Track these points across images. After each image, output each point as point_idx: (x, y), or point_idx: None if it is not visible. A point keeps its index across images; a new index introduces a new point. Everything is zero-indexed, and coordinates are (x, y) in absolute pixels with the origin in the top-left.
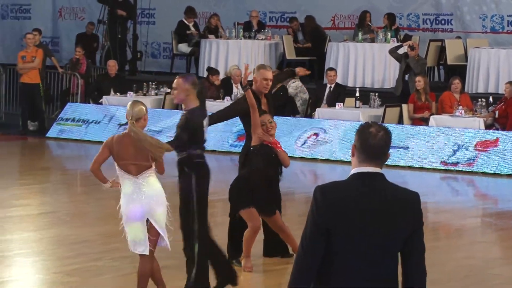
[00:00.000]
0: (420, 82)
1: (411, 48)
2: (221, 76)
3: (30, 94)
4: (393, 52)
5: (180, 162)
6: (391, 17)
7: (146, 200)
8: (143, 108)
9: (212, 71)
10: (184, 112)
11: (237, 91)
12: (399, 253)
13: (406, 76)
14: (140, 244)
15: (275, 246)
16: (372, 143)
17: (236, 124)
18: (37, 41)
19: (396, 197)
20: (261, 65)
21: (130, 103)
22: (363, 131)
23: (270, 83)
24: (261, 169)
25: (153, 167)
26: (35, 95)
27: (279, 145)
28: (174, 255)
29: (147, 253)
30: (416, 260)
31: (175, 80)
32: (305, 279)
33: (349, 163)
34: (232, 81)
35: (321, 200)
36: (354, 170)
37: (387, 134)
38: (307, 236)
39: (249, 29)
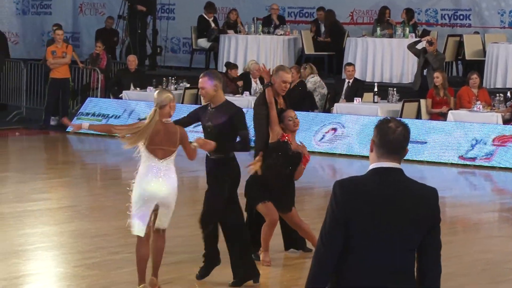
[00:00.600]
0: (438, 78)
1: (430, 43)
2: (240, 71)
3: (60, 89)
4: (411, 47)
5: (218, 161)
6: (409, 13)
7: (164, 186)
8: (170, 96)
9: (231, 65)
10: (230, 110)
11: (256, 86)
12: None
13: (425, 71)
14: (140, 225)
15: (294, 240)
16: (391, 138)
17: None
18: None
19: (414, 193)
20: (281, 66)
21: (158, 90)
22: (382, 126)
23: (288, 86)
24: (278, 167)
25: (175, 153)
26: (65, 90)
27: (307, 159)
28: (189, 249)
29: (142, 235)
30: (432, 257)
31: (201, 79)
32: (324, 272)
33: (367, 157)
34: (251, 76)
35: (340, 195)
36: (372, 165)
37: (406, 129)
38: (326, 230)
39: (269, 24)
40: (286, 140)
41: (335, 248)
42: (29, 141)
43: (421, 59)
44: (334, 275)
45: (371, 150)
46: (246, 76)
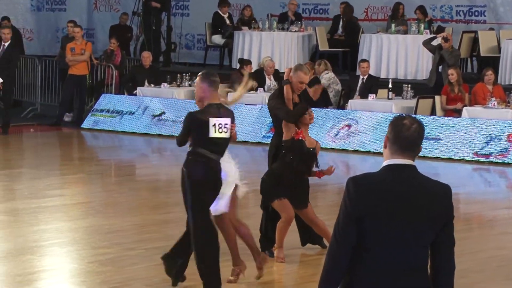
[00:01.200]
0: (453, 75)
1: (445, 39)
2: (254, 67)
3: (76, 86)
4: (427, 43)
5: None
6: (422, 9)
7: (235, 168)
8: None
9: (244, 61)
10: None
11: (270, 82)
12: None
13: (440, 68)
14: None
15: (310, 236)
16: (406, 135)
17: (268, 116)
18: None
19: (428, 190)
20: (299, 66)
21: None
22: (397, 123)
23: (304, 87)
24: (293, 165)
25: None
26: (82, 87)
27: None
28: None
29: (218, 214)
30: (445, 254)
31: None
32: (338, 268)
33: (381, 154)
34: (265, 73)
35: (354, 191)
36: (386, 162)
37: (421, 126)
38: (340, 226)
39: (284, 21)
40: (300, 138)
41: (349, 244)
42: (43, 137)
43: (436, 56)
44: (347, 272)
45: (385, 147)
46: (260, 73)
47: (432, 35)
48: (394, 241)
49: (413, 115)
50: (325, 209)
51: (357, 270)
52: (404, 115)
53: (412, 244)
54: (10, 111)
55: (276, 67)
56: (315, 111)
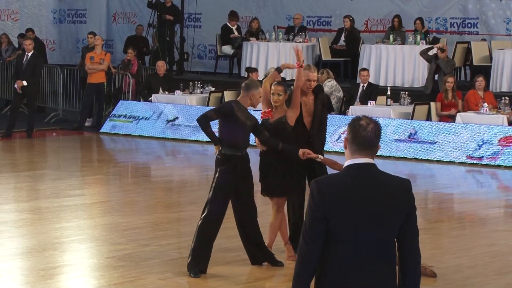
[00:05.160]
0: (452, 82)
1: (441, 50)
2: (261, 76)
3: (95, 93)
4: (424, 53)
5: None
6: (421, 21)
7: None
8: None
9: (251, 69)
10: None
11: None
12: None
13: (436, 76)
14: None
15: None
16: (363, 135)
17: None
18: (92, 44)
19: (389, 184)
20: (307, 65)
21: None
22: (354, 124)
23: (313, 84)
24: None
25: None
26: (100, 94)
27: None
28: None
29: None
30: (410, 244)
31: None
32: (308, 267)
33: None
34: None
35: (317, 193)
36: (347, 162)
37: (377, 126)
38: (307, 227)
39: (290, 32)
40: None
41: (317, 244)
42: (65, 141)
43: (432, 65)
44: (318, 269)
45: (345, 147)
46: None
47: (429, 46)
48: (360, 236)
49: (411, 120)
50: None
51: (327, 266)
52: (361, 116)
53: (377, 237)
54: (34, 116)
55: (282, 75)
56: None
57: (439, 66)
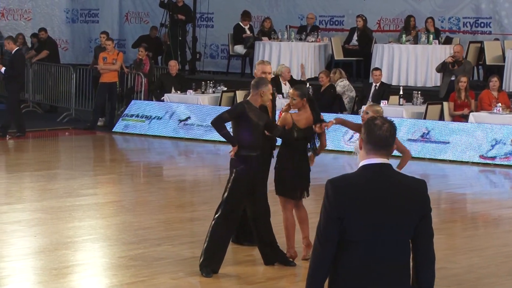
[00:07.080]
0: (465, 82)
1: (453, 62)
2: (272, 75)
3: (107, 92)
4: (440, 69)
5: None
6: (432, 20)
7: None
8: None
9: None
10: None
11: (286, 88)
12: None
13: (452, 77)
14: None
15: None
16: (378, 134)
17: None
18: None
19: (403, 185)
20: (261, 60)
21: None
22: (369, 124)
23: (269, 76)
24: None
25: None
26: (112, 93)
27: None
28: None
29: None
30: (425, 245)
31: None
32: (323, 267)
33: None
34: (280, 79)
35: (332, 193)
36: (362, 162)
37: (392, 126)
38: (322, 227)
39: (302, 32)
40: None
41: (331, 244)
42: (77, 141)
43: (448, 74)
44: (332, 270)
45: (360, 148)
46: (276, 81)
47: (441, 63)
48: (374, 237)
49: (423, 120)
50: None
51: (340, 266)
52: (376, 116)
53: (392, 238)
54: (46, 116)
55: (294, 76)
56: (330, 116)
57: (456, 75)
